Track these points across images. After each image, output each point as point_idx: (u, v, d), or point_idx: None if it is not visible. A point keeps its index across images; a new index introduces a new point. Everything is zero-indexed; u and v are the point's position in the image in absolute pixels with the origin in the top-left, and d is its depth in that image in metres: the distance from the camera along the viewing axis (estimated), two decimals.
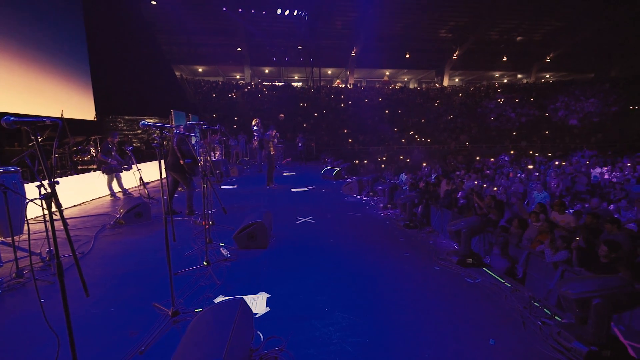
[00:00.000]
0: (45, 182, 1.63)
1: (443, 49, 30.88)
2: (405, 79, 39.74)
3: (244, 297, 2.32)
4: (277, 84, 32.72)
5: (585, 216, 5.16)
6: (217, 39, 27.14)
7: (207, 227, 3.92)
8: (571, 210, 6.17)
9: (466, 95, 28.82)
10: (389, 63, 32.53)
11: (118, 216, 5.29)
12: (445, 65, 32.34)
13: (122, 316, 2.64)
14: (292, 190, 8.44)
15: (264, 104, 24.40)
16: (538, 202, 6.27)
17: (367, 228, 5.29)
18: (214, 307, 2.15)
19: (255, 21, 25.08)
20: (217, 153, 11.66)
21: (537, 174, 10.34)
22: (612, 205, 6.69)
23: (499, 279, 3.36)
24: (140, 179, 7.23)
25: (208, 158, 6.50)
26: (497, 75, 37.55)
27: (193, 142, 7.72)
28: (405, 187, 9.08)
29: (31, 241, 3.02)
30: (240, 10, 22.78)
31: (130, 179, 7.92)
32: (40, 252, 3.69)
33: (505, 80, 37.90)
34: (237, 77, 34.77)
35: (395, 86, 33.75)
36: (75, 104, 9.71)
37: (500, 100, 26.71)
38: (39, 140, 1.58)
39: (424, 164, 14.34)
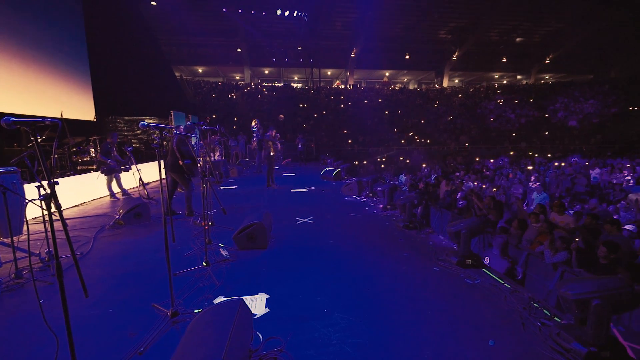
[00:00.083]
0: (45, 183, 1.63)
1: (443, 50, 30.94)
2: (405, 80, 39.78)
3: (243, 297, 2.33)
4: (276, 84, 32.74)
5: (585, 217, 5.17)
6: (217, 40, 27.17)
7: (206, 227, 3.92)
8: (571, 211, 6.18)
9: (466, 96, 28.86)
10: (389, 64, 32.57)
11: (117, 217, 5.28)
12: (445, 66, 32.38)
13: (122, 317, 2.64)
14: (292, 190, 8.44)
15: (263, 104, 24.41)
16: (537, 203, 6.28)
17: (366, 229, 5.29)
18: (213, 308, 2.15)
19: (255, 22, 25.12)
20: (217, 154, 11.66)
21: (537, 174, 10.36)
22: (611, 207, 6.70)
23: (499, 279, 3.36)
24: (140, 179, 7.23)
25: (208, 159, 6.50)
26: (496, 76, 37.59)
27: (193, 143, 7.72)
28: (404, 187, 9.09)
29: (30, 242, 3.01)
30: (240, 11, 22.80)
31: (129, 179, 7.92)
32: (39, 252, 3.68)
33: (505, 82, 37.95)
34: (237, 77, 34.79)
35: (395, 87, 33.75)
36: (74, 104, 9.71)
37: (500, 101, 26.75)
38: (39, 140, 1.58)
39: (424, 165, 14.35)
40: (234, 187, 9.20)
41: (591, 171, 10.70)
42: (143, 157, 10.65)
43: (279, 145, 10.24)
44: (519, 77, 37.16)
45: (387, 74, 36.99)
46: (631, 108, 23.17)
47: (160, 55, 17.53)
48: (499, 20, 26.50)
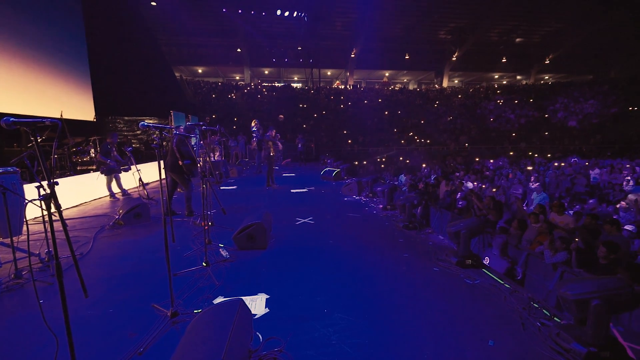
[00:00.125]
0: (45, 183, 1.63)
1: (442, 50, 30.97)
2: (405, 80, 39.80)
3: (243, 298, 2.32)
4: (276, 84, 32.74)
5: (585, 217, 5.17)
6: (217, 40, 27.18)
7: (206, 228, 3.92)
8: (571, 212, 6.19)
9: (465, 97, 28.88)
10: (389, 64, 32.60)
11: (117, 217, 5.28)
12: (445, 66, 32.41)
13: (121, 317, 2.64)
14: (292, 191, 8.44)
15: (263, 104, 24.41)
16: (537, 203, 6.28)
17: (366, 229, 5.29)
18: (213, 308, 2.15)
19: (254, 22, 25.12)
20: (217, 154, 11.67)
21: (537, 174, 10.37)
22: (610, 207, 6.70)
23: (498, 280, 3.36)
24: (140, 179, 7.23)
25: (207, 159, 6.50)
26: (496, 76, 37.63)
27: (193, 143, 7.73)
28: (404, 188, 9.09)
29: (30, 242, 3.01)
30: (240, 11, 22.82)
31: (129, 179, 7.92)
32: (39, 252, 3.68)
33: (505, 82, 37.98)
34: (237, 78, 34.79)
35: (394, 87, 33.78)
36: (74, 104, 9.70)
37: (500, 102, 26.77)
38: (39, 141, 1.58)
39: (424, 165, 14.36)
40: (234, 187, 9.20)
41: (591, 171, 10.71)
42: (143, 157, 10.65)
43: (280, 145, 10.24)
44: (518, 77, 37.18)
45: (387, 74, 37.02)
46: (631, 108, 23.18)
47: (160, 55, 17.53)
48: (499, 20, 26.52)
